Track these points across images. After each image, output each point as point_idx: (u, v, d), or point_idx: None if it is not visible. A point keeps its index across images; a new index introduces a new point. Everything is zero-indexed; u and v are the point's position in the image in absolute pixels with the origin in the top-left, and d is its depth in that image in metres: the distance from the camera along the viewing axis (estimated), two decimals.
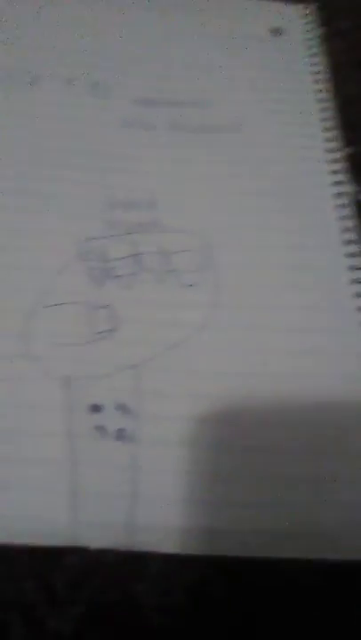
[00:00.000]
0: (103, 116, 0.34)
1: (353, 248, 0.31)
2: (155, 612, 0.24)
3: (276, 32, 0.41)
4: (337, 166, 0.35)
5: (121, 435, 0.26)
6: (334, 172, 0.34)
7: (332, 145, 0.36)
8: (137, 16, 0.39)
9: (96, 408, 0.26)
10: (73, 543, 0.24)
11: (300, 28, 0.41)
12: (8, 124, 0.34)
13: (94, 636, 0.23)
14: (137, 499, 0.25)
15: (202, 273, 0.30)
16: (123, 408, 0.26)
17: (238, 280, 0.30)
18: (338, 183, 0.34)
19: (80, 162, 0.33)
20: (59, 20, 0.38)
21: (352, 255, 0.31)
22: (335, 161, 0.35)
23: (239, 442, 0.26)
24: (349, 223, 0.32)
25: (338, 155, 0.35)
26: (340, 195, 0.33)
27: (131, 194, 0.32)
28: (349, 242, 0.32)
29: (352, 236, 0.32)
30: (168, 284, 0.30)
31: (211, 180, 0.33)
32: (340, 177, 0.34)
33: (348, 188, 0.34)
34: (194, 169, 0.33)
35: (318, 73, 0.39)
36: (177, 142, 0.34)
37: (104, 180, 0.32)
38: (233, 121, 0.35)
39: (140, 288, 0.29)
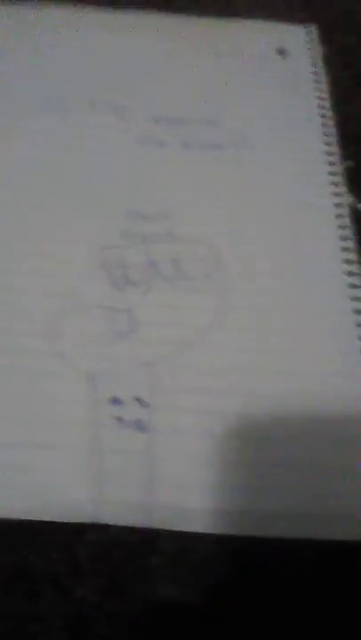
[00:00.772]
0: (121, 135, 0.37)
1: (350, 256, 0.34)
2: (168, 583, 0.26)
3: (281, 52, 0.43)
4: (337, 179, 0.37)
5: (138, 424, 0.29)
6: (335, 184, 0.37)
7: (333, 159, 0.38)
8: (149, 38, 0.42)
9: (116, 401, 0.29)
10: (94, 521, 0.26)
11: (304, 47, 0.44)
12: (37, 142, 0.37)
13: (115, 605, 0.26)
14: (152, 481, 0.27)
15: (211, 279, 0.33)
16: (140, 401, 0.29)
17: (245, 284, 0.33)
18: (337, 194, 0.37)
19: (100, 177, 0.36)
20: (80, 47, 0.41)
21: (350, 271, 0.34)
22: (335, 174, 0.37)
23: (243, 432, 0.29)
24: (347, 233, 0.35)
25: (338, 168, 0.38)
26: (338, 205, 0.36)
27: (146, 206, 0.35)
28: (349, 262, 0.34)
29: (351, 248, 0.35)
30: (181, 289, 0.32)
31: (220, 194, 0.36)
32: (339, 189, 0.37)
33: (346, 200, 0.36)
34: (205, 183, 0.36)
35: (321, 90, 0.42)
36: (189, 158, 0.37)
37: (122, 194, 0.35)
38: (241, 138, 0.38)
39: (156, 293, 0.32)
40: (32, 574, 0.26)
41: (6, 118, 0.38)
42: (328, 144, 0.39)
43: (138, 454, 0.28)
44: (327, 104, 0.41)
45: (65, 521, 0.26)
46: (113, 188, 0.36)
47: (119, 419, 0.29)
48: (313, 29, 0.45)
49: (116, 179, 0.36)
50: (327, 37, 0.45)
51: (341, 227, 0.35)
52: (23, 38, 0.41)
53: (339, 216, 0.36)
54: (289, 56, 0.43)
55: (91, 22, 0.42)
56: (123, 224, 0.34)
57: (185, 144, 0.37)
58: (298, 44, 0.44)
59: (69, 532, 0.27)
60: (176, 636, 0.26)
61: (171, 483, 0.27)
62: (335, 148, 0.39)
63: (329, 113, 0.41)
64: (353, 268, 0.34)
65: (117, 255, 0.33)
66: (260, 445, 0.29)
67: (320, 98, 0.41)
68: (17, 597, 0.25)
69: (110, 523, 0.27)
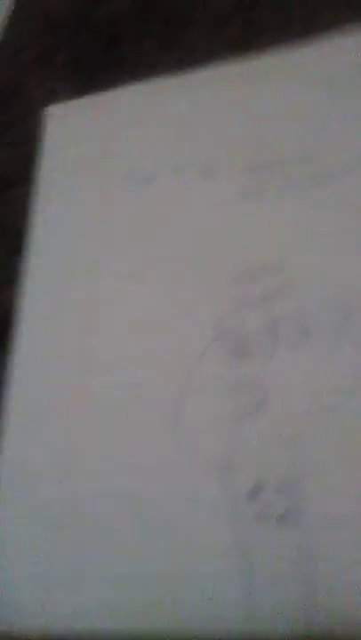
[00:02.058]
0: (217, 194, 0.35)
1: None
2: None
3: None
4: None
5: (286, 519, 0.25)
6: None
7: None
8: (226, 88, 0.39)
9: (255, 493, 0.26)
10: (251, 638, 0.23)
11: None
12: (131, 218, 0.36)
13: None
14: (313, 587, 0.23)
15: (342, 332, 0.28)
16: (283, 489, 0.25)
17: None
18: None
19: (202, 243, 0.33)
20: (158, 114, 0.40)
21: None
22: None
23: None
24: None
25: None
26: None
27: (257, 263, 0.32)
28: None
29: None
30: (308, 349, 0.29)
31: (336, 233, 0.32)
32: None
33: None
34: (316, 223, 0.32)
35: None
36: (293, 200, 0.33)
37: (228, 255, 0.33)
38: (345, 165, 0.34)
39: (281, 359, 0.29)
40: None
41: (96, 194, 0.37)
42: None
43: (290, 557, 0.24)
44: None
45: None
46: (218, 252, 0.33)
47: (262, 515, 0.25)
48: None
49: (218, 242, 0.33)
50: None
51: None
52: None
53: None
54: None
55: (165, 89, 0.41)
56: (234, 289, 0.31)
57: (286, 186, 0.34)
58: None
59: None
60: None
61: (335, 587, 0.23)
62: None
63: None
64: None
65: (233, 323, 0.30)
66: None
67: None
68: None
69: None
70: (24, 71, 0.48)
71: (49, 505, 0.28)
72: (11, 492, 0.30)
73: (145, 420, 0.29)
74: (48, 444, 0.30)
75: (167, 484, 0.27)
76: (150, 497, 0.27)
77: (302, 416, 0.27)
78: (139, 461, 0.28)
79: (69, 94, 0.44)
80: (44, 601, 0.27)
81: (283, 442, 0.26)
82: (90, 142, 0.39)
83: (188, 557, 0.25)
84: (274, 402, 0.28)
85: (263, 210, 0.34)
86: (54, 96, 0.44)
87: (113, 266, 0.34)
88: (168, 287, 0.33)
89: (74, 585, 0.27)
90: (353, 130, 0.35)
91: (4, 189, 0.42)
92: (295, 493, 0.25)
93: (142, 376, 0.30)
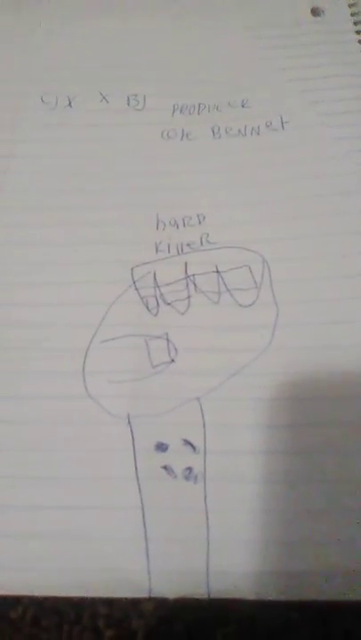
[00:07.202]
0: (141, 132, 0.33)
1: None
2: None
3: (316, 12, 0.38)
4: None
5: (189, 474, 0.25)
6: None
7: None
8: (163, 21, 0.37)
9: (161, 447, 0.25)
10: (148, 594, 0.23)
11: (343, 2, 0.38)
12: (46, 151, 0.33)
13: None
14: (210, 543, 0.24)
15: (259, 290, 0.28)
16: (189, 444, 0.25)
17: (299, 295, 0.28)
18: None
19: (123, 183, 0.31)
20: (84, 37, 0.36)
21: None
22: None
23: (315, 474, 0.25)
24: None
25: None
26: None
27: (178, 211, 0.31)
28: None
29: None
30: (224, 305, 0.28)
31: (260, 187, 0.31)
32: None
33: None
34: (240, 176, 0.31)
35: None
36: (219, 149, 0.32)
37: (149, 200, 0.31)
38: (276, 118, 0.33)
39: (196, 312, 0.28)
40: None
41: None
42: None
43: (191, 511, 0.24)
44: None
45: (117, 596, 0.23)
46: (137, 193, 0.31)
47: (167, 468, 0.25)
48: None
49: (139, 182, 0.31)
50: None
51: None
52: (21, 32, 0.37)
53: None
54: (325, 15, 0.38)
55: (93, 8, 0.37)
56: (153, 235, 0.30)
57: (214, 133, 0.33)
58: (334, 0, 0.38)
59: (124, 603, 0.23)
60: None
61: (230, 542, 0.24)
62: None
63: None
64: None
65: (149, 272, 0.29)
66: (333, 489, 0.24)
67: None
68: None
69: (166, 595, 0.23)
70: None
71: None
72: None
73: (55, 367, 0.27)
74: None
75: (76, 434, 0.26)
76: (58, 446, 0.26)
77: (210, 375, 0.27)
78: (49, 410, 0.26)
79: None
80: None
81: (189, 399, 0.26)
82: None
83: (88, 511, 0.24)
84: (183, 358, 0.27)
85: (188, 155, 0.32)
86: None
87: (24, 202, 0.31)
88: (81, 228, 0.30)
89: None
90: (288, 83, 0.34)
91: None
92: (198, 450, 0.25)
93: (54, 322, 0.28)
